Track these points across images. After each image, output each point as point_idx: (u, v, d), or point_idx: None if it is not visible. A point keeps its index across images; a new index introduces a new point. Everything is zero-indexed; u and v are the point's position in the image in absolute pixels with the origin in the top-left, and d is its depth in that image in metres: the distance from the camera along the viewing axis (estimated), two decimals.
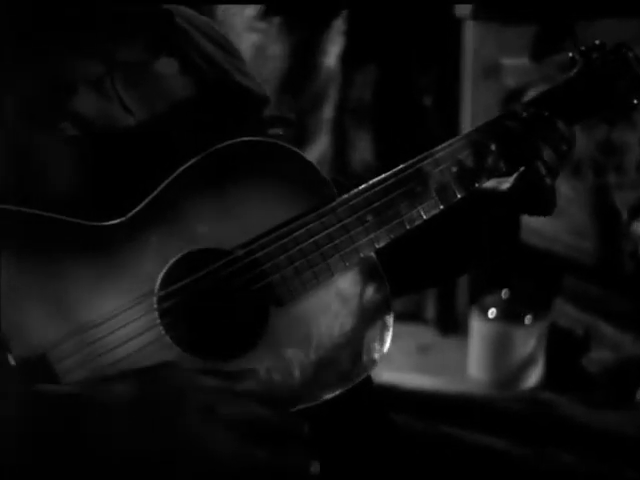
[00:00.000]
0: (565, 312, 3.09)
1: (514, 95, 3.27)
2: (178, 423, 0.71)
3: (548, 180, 1.03)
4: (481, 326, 2.99)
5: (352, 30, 3.25)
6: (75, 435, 0.69)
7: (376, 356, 0.92)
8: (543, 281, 3.11)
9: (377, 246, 0.94)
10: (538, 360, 2.98)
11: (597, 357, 2.93)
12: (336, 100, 3.31)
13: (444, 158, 1.00)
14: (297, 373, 0.86)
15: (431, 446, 2.55)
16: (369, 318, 0.93)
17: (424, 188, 0.98)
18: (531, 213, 1.07)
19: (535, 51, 3.27)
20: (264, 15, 3.24)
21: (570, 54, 1.16)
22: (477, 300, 3.07)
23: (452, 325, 3.30)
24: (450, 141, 1.02)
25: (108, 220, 0.83)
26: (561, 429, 2.74)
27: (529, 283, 3.06)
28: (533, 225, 2.81)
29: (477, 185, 1.02)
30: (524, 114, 1.05)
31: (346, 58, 3.28)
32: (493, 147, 1.03)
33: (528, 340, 2.96)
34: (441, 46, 3.31)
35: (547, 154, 1.03)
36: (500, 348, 2.96)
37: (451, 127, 3.25)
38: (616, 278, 2.92)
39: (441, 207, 0.99)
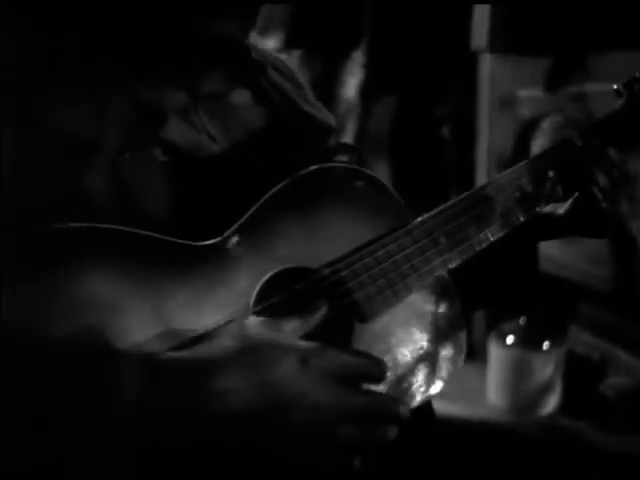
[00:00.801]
0: (581, 339, 3.14)
1: (529, 126, 3.35)
2: (284, 378, 0.75)
3: (604, 204, 1.08)
4: (499, 353, 3.04)
5: (371, 62, 3.32)
6: (199, 394, 0.74)
7: (448, 373, 0.97)
8: (559, 308, 3.16)
9: (450, 266, 1.00)
10: (556, 386, 3.02)
11: (614, 383, 2.97)
12: (355, 131, 3.38)
13: (507, 184, 1.06)
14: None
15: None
16: (443, 335, 0.98)
17: (490, 212, 1.03)
18: (586, 236, 1.13)
19: (549, 82, 3.35)
20: (285, 47, 3.31)
21: (614, 86, 1.23)
22: (494, 327, 3.12)
23: (470, 352, 3.34)
24: (512, 168, 1.08)
25: (195, 240, 0.88)
26: (580, 454, 2.77)
27: (546, 310, 3.11)
28: (549, 252, 2.87)
29: (538, 209, 1.08)
30: (579, 143, 1.11)
31: (365, 90, 3.35)
32: (551, 174, 1.09)
33: (546, 366, 3.01)
34: (458, 78, 3.38)
35: (602, 180, 1.09)
36: (518, 374, 3.00)
37: (468, 158, 3.32)
38: (631, 304, 2.97)
39: (505, 230, 1.04)
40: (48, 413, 0.70)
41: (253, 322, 0.84)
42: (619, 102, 1.20)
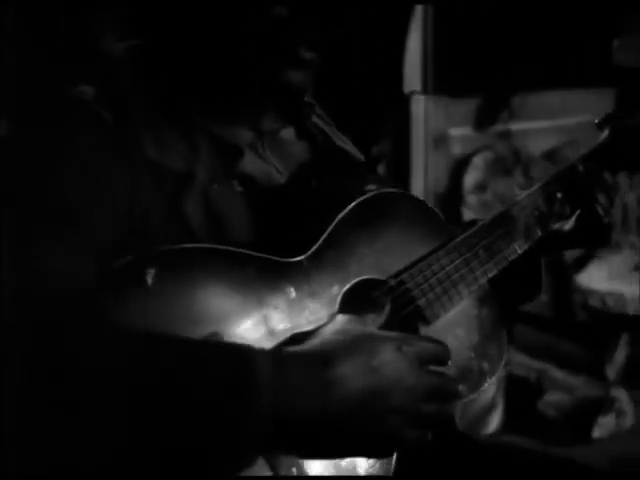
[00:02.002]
0: (517, 360, 3.34)
1: (461, 162, 3.57)
2: (385, 363, 0.88)
3: (605, 219, 1.26)
4: None
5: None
6: (320, 381, 0.85)
7: (497, 367, 1.12)
8: None
9: (489, 275, 1.15)
10: (498, 406, 3.19)
11: (552, 400, 3.16)
12: None
13: (527, 205, 1.22)
14: None
15: None
16: (489, 334, 1.13)
17: (515, 229, 1.19)
18: (589, 246, 1.30)
19: (478, 122, 3.59)
20: None
21: (596, 121, 1.41)
22: None
23: None
24: (529, 191, 1.24)
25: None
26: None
27: None
28: None
29: (552, 226, 1.24)
30: (580, 168, 1.28)
31: None
32: (559, 195, 1.26)
33: (488, 387, 3.18)
34: (392, 119, 3.57)
35: (601, 198, 1.27)
36: None
37: None
38: (567, 327, 3.19)
39: (529, 244, 1.20)
40: (201, 397, 0.81)
41: (342, 319, 0.97)
42: (604, 134, 1.37)
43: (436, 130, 3.50)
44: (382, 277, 1.06)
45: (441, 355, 0.95)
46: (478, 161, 3.54)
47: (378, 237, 1.08)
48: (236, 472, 0.83)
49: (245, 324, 0.94)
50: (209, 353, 0.84)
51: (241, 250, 0.97)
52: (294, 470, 0.92)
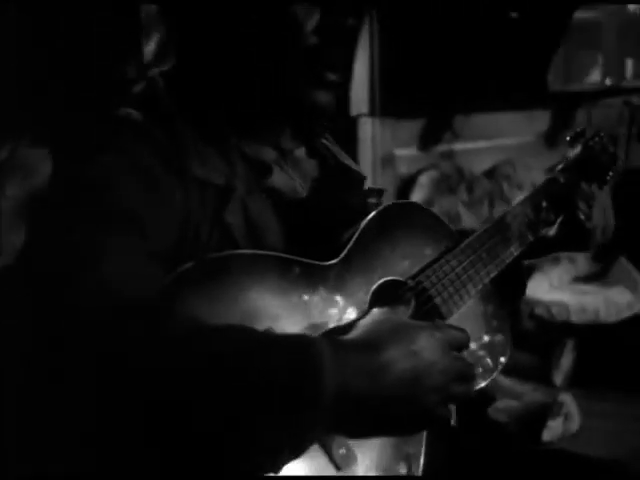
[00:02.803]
0: None
1: (408, 181, 3.73)
2: (423, 348, 0.98)
3: (587, 224, 1.40)
4: None
5: None
6: (372, 365, 0.95)
7: (502, 361, 1.24)
8: None
9: (491, 276, 1.27)
10: (451, 412, 3.32)
11: (502, 406, 3.31)
12: None
13: (519, 213, 1.35)
14: None
15: None
16: (496, 327, 1.26)
17: (510, 234, 1.32)
18: (572, 249, 1.44)
19: (423, 142, 3.75)
20: None
21: (567, 137, 1.55)
22: None
23: None
24: (519, 201, 1.37)
25: None
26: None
27: None
28: None
29: (541, 231, 1.38)
30: (560, 179, 1.42)
31: None
32: (544, 204, 1.39)
33: None
34: (340, 141, 3.70)
35: (582, 205, 1.41)
36: None
37: None
38: (515, 336, 3.34)
39: (523, 248, 1.33)
40: (276, 380, 0.89)
41: (378, 311, 1.08)
42: (576, 149, 1.51)
43: (383, 151, 3.65)
44: (402, 278, 1.17)
45: (464, 341, 1.07)
46: (424, 180, 3.70)
47: (397, 243, 1.19)
48: (300, 451, 0.92)
49: (291, 320, 1.04)
50: (276, 341, 0.94)
51: (285, 255, 1.07)
52: (343, 451, 1.02)
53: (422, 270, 1.20)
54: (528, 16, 3.70)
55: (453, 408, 1.06)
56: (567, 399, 3.15)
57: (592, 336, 3.33)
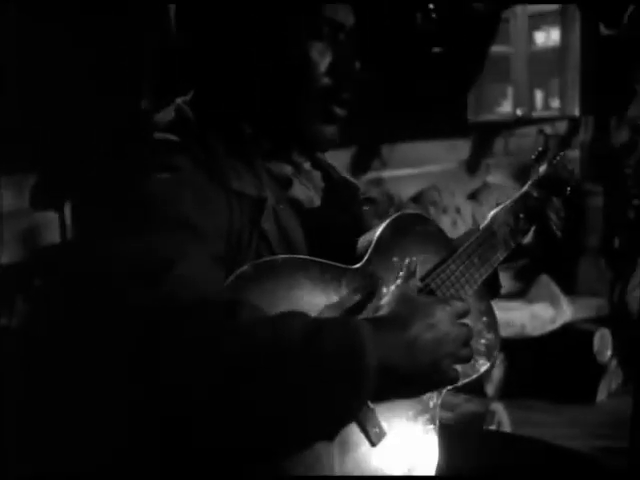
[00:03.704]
0: None
1: None
2: (440, 320, 1.16)
3: (558, 233, 1.58)
4: None
5: None
6: (403, 338, 1.12)
7: (494, 354, 1.40)
8: None
9: (483, 278, 1.43)
10: None
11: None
12: None
13: (502, 222, 1.52)
14: None
15: None
16: (488, 324, 1.42)
17: (496, 241, 1.49)
18: (545, 256, 1.62)
19: (353, 170, 3.93)
20: None
21: (532, 156, 1.74)
22: None
23: None
24: (500, 212, 1.54)
25: None
26: None
27: None
28: None
29: (520, 239, 1.55)
30: (534, 193, 1.60)
31: None
32: (521, 215, 1.57)
33: None
34: None
35: (553, 217, 1.59)
36: None
37: None
38: None
39: (507, 253, 1.50)
40: (332, 357, 1.03)
41: (397, 291, 1.24)
42: (542, 167, 1.69)
43: None
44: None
45: (467, 310, 1.24)
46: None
47: (408, 249, 1.34)
48: (350, 418, 1.09)
49: (331, 314, 1.18)
50: (328, 326, 1.07)
51: (321, 260, 1.20)
52: (376, 430, 1.16)
53: (429, 273, 1.35)
54: (449, 51, 3.94)
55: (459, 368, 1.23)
56: (499, 408, 3.33)
57: (520, 349, 3.54)
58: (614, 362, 3.84)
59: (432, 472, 1.19)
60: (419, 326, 1.14)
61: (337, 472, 1.10)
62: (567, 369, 3.68)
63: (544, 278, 3.72)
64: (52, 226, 2.41)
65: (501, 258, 1.49)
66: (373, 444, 1.15)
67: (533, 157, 1.74)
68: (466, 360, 1.22)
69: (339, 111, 1.32)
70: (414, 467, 1.18)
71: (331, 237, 1.34)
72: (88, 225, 1.19)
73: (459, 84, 4.09)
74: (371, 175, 3.96)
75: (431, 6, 3.72)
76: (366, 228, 1.44)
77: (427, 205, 3.98)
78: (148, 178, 1.15)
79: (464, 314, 1.22)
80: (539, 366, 3.55)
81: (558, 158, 1.68)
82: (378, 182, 3.97)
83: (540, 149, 1.75)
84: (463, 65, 4.00)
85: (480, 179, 4.33)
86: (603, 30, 3.73)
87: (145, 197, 1.13)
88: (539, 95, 4.95)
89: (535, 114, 4.84)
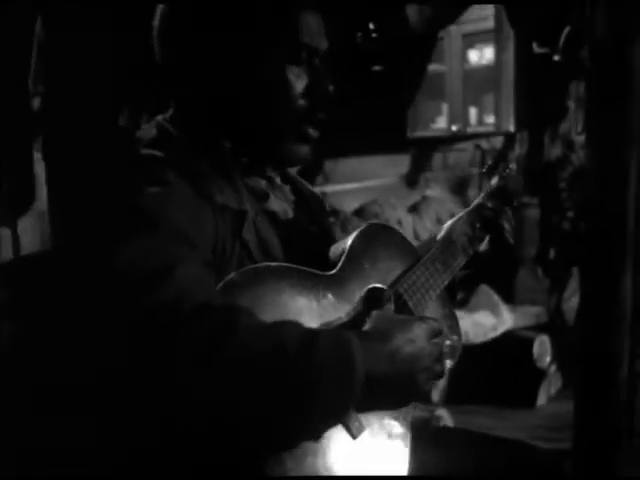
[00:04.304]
0: None
1: None
2: (418, 336, 1.23)
3: (511, 241, 1.69)
4: None
5: None
6: (386, 351, 1.19)
7: (457, 355, 1.50)
8: None
9: (445, 283, 1.53)
10: None
11: None
12: None
13: (461, 232, 1.62)
14: None
15: None
16: (452, 326, 1.51)
17: (456, 249, 1.58)
18: (499, 262, 1.72)
19: None
20: None
21: (483, 170, 1.84)
22: None
23: None
24: (458, 222, 1.64)
25: None
26: None
27: None
28: None
29: (478, 247, 1.65)
30: (488, 204, 1.70)
31: None
32: (477, 224, 1.67)
33: None
34: None
35: (506, 225, 1.70)
36: None
37: None
38: None
39: (466, 259, 1.60)
40: (325, 365, 1.10)
41: (377, 313, 1.31)
42: (494, 179, 1.80)
43: None
44: (382, 286, 1.40)
45: (440, 330, 1.31)
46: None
47: (377, 257, 1.42)
48: (338, 422, 1.15)
49: (310, 318, 1.25)
50: (321, 336, 1.14)
51: (302, 267, 1.28)
52: (357, 424, 1.23)
53: (397, 279, 1.43)
54: (389, 69, 4.06)
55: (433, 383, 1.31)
56: (444, 414, 3.42)
57: (463, 356, 3.64)
58: (553, 367, 3.99)
59: (405, 467, 1.28)
60: (399, 340, 1.21)
61: (321, 464, 1.16)
62: (508, 375, 3.81)
63: (484, 288, 3.85)
64: (5, 243, 2.43)
65: (461, 264, 1.59)
66: (354, 437, 1.22)
67: (484, 170, 1.84)
68: (439, 376, 1.28)
69: (313, 131, 1.39)
70: (389, 458, 1.27)
71: (304, 246, 1.41)
72: (80, 236, 1.23)
73: (398, 101, 4.21)
74: (315, 190, 4.03)
75: (371, 26, 3.82)
76: (333, 238, 1.53)
77: (370, 218, 4.07)
78: (140, 191, 1.20)
79: (438, 333, 1.29)
80: (482, 372, 3.66)
81: (508, 171, 1.78)
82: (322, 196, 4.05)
83: (490, 163, 1.86)
84: (402, 83, 4.12)
85: (419, 192, 4.46)
86: (536, 48, 3.88)
87: (138, 208, 1.18)
88: (473, 111, 5.11)
89: (470, 130, 5.00)
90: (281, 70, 1.32)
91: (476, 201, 1.72)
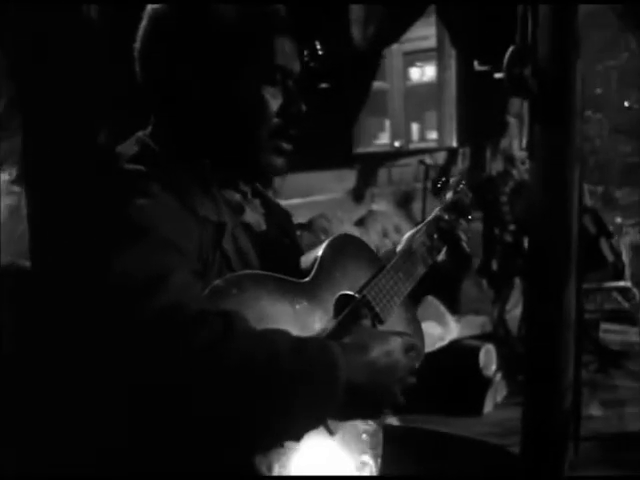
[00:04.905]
0: None
1: None
2: (394, 349, 1.31)
3: (467, 251, 1.77)
4: None
5: None
6: (364, 361, 1.27)
7: (420, 359, 1.57)
8: None
9: (408, 290, 1.60)
10: None
11: None
12: None
13: (420, 242, 1.70)
14: None
15: None
16: (414, 330, 1.59)
17: (416, 259, 1.66)
18: (457, 273, 1.80)
19: None
20: (18, 179, 3.63)
21: (437, 185, 1.93)
22: None
23: None
24: (418, 232, 1.72)
25: None
26: None
27: None
28: None
29: (436, 257, 1.73)
30: (445, 217, 1.79)
31: None
32: (435, 236, 1.75)
33: None
34: None
35: (462, 236, 1.78)
36: None
37: None
38: None
39: (426, 268, 1.68)
40: (305, 367, 1.17)
41: (358, 327, 1.38)
42: (449, 194, 1.88)
43: None
44: (351, 292, 1.47)
45: (414, 344, 1.39)
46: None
47: (346, 266, 1.49)
48: (319, 425, 1.22)
49: (288, 323, 1.31)
50: (308, 344, 1.21)
51: (278, 275, 1.34)
52: (334, 421, 1.30)
53: (365, 285, 1.50)
54: (336, 86, 4.15)
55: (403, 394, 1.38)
56: (393, 422, 3.49)
57: None
58: (499, 375, 4.10)
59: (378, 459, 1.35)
60: (377, 352, 1.29)
61: (301, 460, 1.23)
62: (455, 383, 3.91)
63: (431, 299, 3.94)
64: None
65: (422, 273, 1.66)
66: (332, 433, 1.29)
67: (438, 185, 1.93)
68: (409, 388, 1.36)
69: (286, 146, 1.46)
70: (363, 450, 1.34)
71: (277, 256, 1.48)
72: (70, 251, 1.27)
73: (344, 118, 4.30)
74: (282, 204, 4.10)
75: (317, 45, 3.91)
76: (301, 249, 1.60)
77: (318, 232, 4.15)
78: (128, 203, 1.24)
79: (412, 347, 1.37)
80: (429, 381, 3.73)
81: (461, 186, 1.88)
82: None
83: (443, 179, 1.95)
84: (348, 100, 4.21)
85: (365, 207, 4.55)
86: (477, 66, 4.00)
87: (129, 220, 1.23)
88: (415, 127, 5.24)
89: (412, 146, 5.12)
90: (258, 90, 1.39)
91: (433, 214, 1.80)
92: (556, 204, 2.50)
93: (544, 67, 2.45)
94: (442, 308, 3.94)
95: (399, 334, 1.36)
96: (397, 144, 5.05)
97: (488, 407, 4.04)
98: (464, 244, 1.78)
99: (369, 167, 4.74)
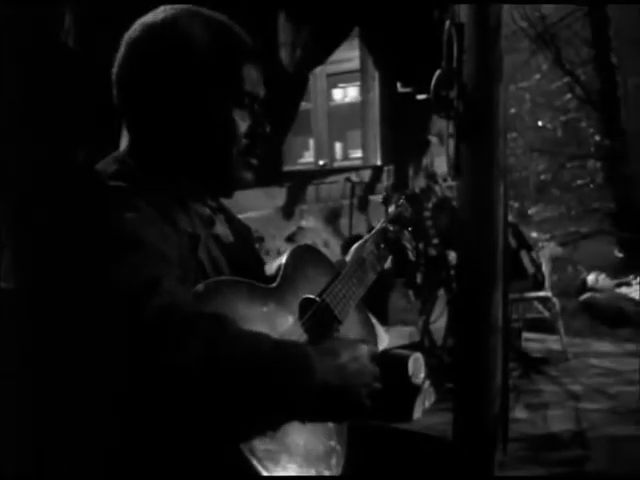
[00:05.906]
0: None
1: None
2: (361, 356, 1.41)
3: (412, 258, 1.93)
4: None
5: None
6: (335, 365, 1.34)
7: (382, 340, 1.71)
8: None
9: (361, 295, 1.74)
10: None
11: None
12: None
13: (369, 251, 1.84)
14: None
15: None
16: (367, 331, 1.73)
17: (366, 266, 1.81)
18: (402, 277, 1.96)
19: None
20: None
21: (380, 199, 2.10)
22: None
23: None
24: (368, 241, 1.86)
25: None
26: None
27: None
28: None
29: (384, 264, 1.88)
30: (390, 227, 1.94)
31: None
32: (382, 245, 1.90)
33: None
34: None
35: (407, 245, 1.94)
36: None
37: None
38: None
39: (376, 274, 1.82)
40: (287, 367, 1.29)
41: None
42: (392, 208, 2.04)
43: None
44: (313, 296, 1.60)
45: (377, 352, 1.52)
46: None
47: (306, 272, 1.62)
48: (295, 417, 1.31)
49: (260, 325, 1.43)
50: (287, 348, 1.32)
51: (250, 280, 1.46)
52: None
53: (324, 290, 1.64)
54: (266, 107, 4.27)
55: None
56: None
57: None
58: (427, 383, 4.26)
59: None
60: (346, 357, 1.39)
61: (279, 445, 1.35)
62: (385, 391, 4.02)
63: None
64: None
65: (372, 279, 1.81)
66: (303, 421, 1.40)
67: (381, 200, 2.09)
68: (374, 393, 1.44)
69: (254, 161, 1.59)
70: (330, 436, 1.47)
71: (244, 265, 1.60)
72: (63, 260, 1.35)
73: (274, 137, 4.43)
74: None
75: None
76: (262, 259, 1.72)
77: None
78: (119, 217, 1.34)
79: (375, 354, 1.48)
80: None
81: (401, 201, 2.03)
82: None
83: (385, 194, 2.10)
84: (276, 120, 4.35)
85: (295, 223, 4.68)
86: (400, 88, 4.17)
87: (119, 231, 1.32)
88: (339, 146, 5.40)
89: (336, 164, 5.28)
90: (229, 113, 1.51)
91: (379, 225, 1.95)
92: (482, 219, 2.68)
93: (469, 89, 2.66)
94: (373, 319, 4.07)
95: (365, 342, 1.48)
96: (321, 162, 5.20)
97: (417, 413, 4.19)
98: (409, 252, 1.93)
99: (298, 185, 4.88)
